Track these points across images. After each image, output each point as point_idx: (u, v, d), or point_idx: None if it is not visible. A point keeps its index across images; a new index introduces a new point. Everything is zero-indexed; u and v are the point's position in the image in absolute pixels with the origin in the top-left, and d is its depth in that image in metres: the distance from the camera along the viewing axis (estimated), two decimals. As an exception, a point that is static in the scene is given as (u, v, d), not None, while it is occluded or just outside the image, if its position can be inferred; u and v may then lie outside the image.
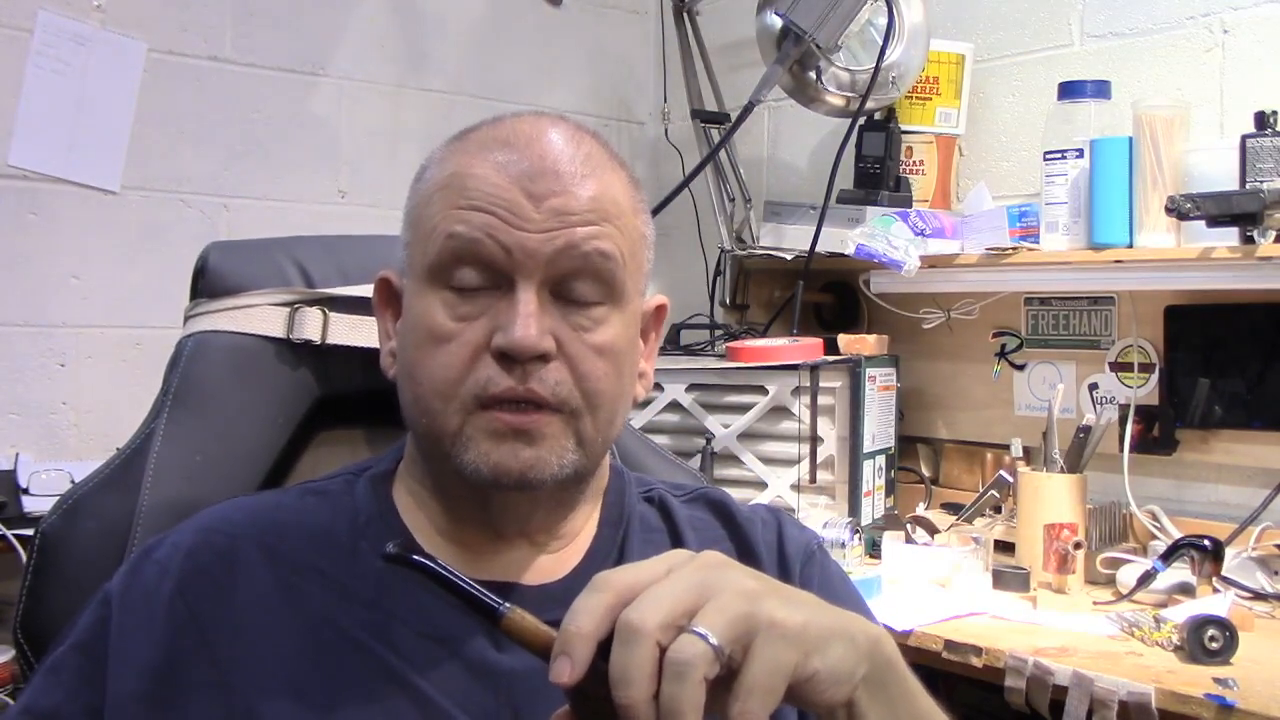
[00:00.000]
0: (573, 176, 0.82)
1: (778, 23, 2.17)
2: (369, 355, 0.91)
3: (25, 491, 1.93)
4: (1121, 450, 2.00)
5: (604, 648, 0.59)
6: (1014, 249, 2.03)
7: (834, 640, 0.62)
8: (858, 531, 1.88)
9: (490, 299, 0.81)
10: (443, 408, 0.81)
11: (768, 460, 2.09)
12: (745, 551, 0.93)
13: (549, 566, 0.88)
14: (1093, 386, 2.13)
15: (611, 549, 0.90)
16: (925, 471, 2.35)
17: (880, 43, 2.17)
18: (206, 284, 1.12)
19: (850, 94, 2.21)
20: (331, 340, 1.10)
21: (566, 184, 0.81)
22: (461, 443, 0.80)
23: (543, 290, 0.80)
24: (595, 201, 0.82)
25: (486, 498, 0.84)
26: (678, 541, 0.93)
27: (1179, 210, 1.72)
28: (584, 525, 0.91)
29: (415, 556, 0.65)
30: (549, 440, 0.80)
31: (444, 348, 0.81)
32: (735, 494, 1.03)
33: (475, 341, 0.80)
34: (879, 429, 2.12)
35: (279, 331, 1.09)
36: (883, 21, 2.17)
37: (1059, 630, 1.61)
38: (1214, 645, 1.46)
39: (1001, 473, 2.05)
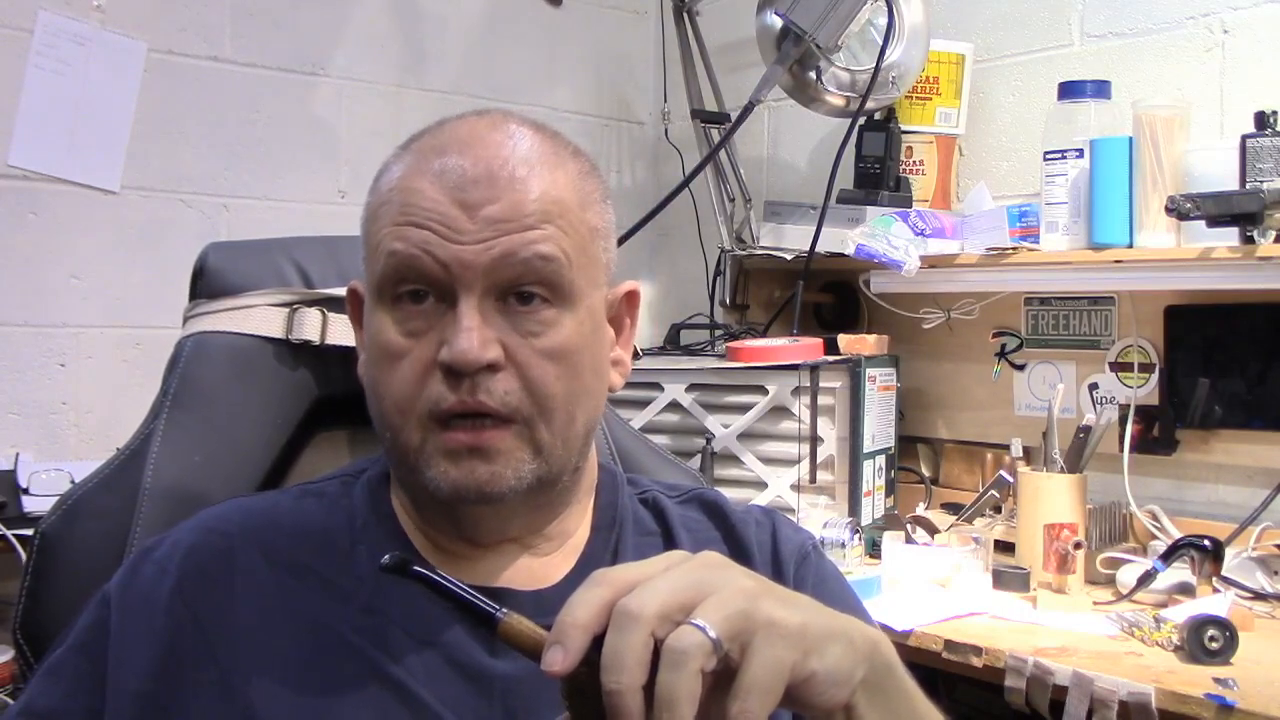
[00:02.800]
0: (509, 181, 0.81)
1: (778, 23, 2.17)
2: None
3: (25, 491, 1.93)
4: (1121, 450, 2.00)
5: (602, 643, 0.59)
6: (1014, 249, 2.03)
7: (832, 642, 0.62)
8: (858, 531, 1.87)
9: (436, 313, 0.81)
10: (402, 424, 0.81)
11: (768, 460, 2.09)
12: (739, 552, 0.93)
13: (542, 570, 0.88)
14: (1093, 386, 2.13)
15: (605, 552, 0.90)
16: (925, 471, 2.35)
17: (880, 43, 2.17)
18: (205, 284, 1.12)
19: (850, 94, 2.21)
20: (330, 341, 1.10)
21: (501, 190, 0.80)
22: (424, 459, 0.81)
23: (485, 300, 0.80)
24: (536, 204, 0.81)
25: (453, 510, 0.84)
26: (671, 543, 0.93)
27: (1179, 210, 1.72)
28: (576, 527, 0.91)
29: (414, 567, 0.65)
30: (504, 455, 0.80)
31: (397, 365, 0.81)
32: (735, 494, 1.03)
33: (425, 358, 0.80)
34: (879, 429, 2.11)
35: (278, 332, 1.09)
36: (883, 21, 2.17)
37: (1059, 630, 1.61)
38: (1214, 645, 1.46)
39: (1001, 473, 2.05)
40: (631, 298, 0.93)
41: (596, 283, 0.86)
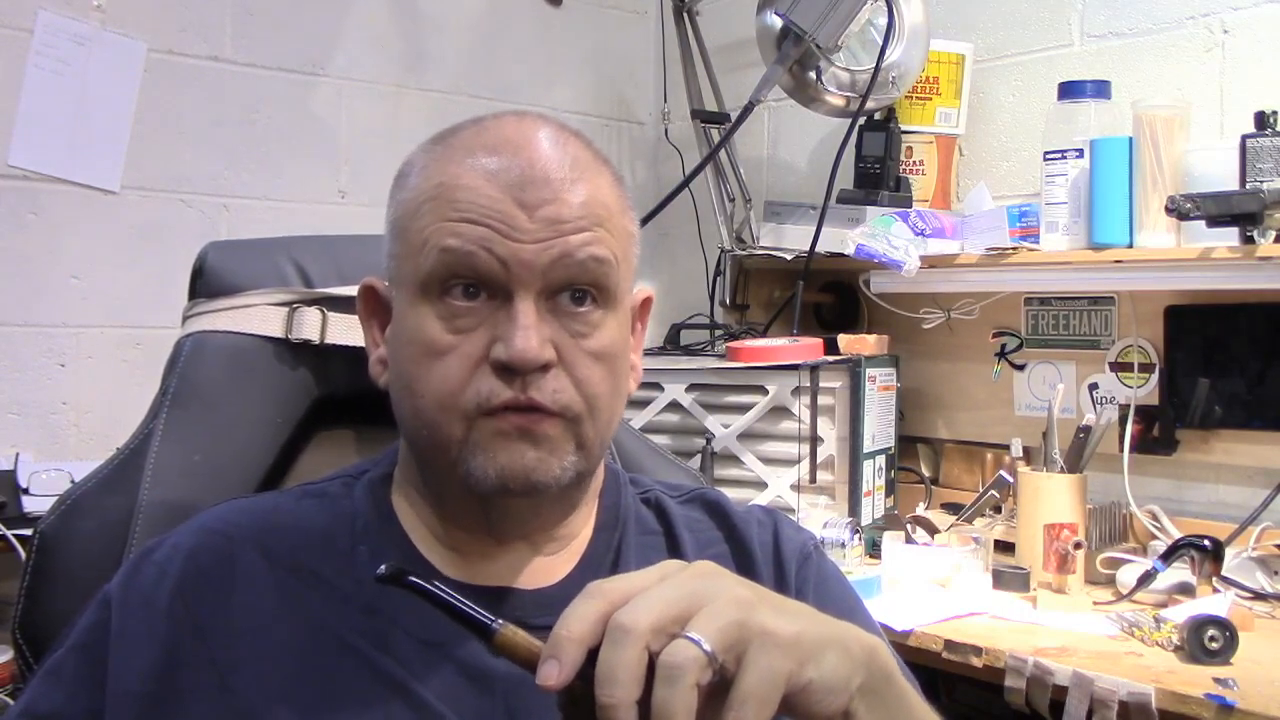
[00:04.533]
0: (563, 182, 0.81)
1: (778, 23, 2.17)
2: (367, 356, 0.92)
3: (25, 491, 1.93)
4: (1121, 450, 2.00)
5: (597, 657, 0.59)
6: (1014, 249, 2.03)
7: (828, 650, 0.62)
8: (858, 531, 1.87)
9: (487, 310, 0.80)
10: (445, 419, 0.80)
11: (768, 460, 2.09)
12: (741, 552, 0.93)
13: (545, 569, 0.88)
14: (1093, 386, 2.13)
15: (608, 552, 0.90)
16: (925, 471, 2.35)
17: (880, 43, 2.17)
18: (205, 284, 1.12)
19: (850, 94, 2.21)
20: (330, 340, 1.10)
21: (557, 190, 0.81)
22: (468, 449, 0.80)
23: (540, 299, 0.80)
24: (586, 207, 0.81)
25: (488, 503, 0.84)
26: (674, 543, 0.93)
27: (1179, 210, 1.72)
28: (581, 528, 0.91)
29: (410, 577, 0.65)
30: (551, 442, 0.81)
31: (442, 360, 0.80)
32: (735, 494, 1.03)
33: (474, 354, 0.80)
34: (879, 429, 2.11)
35: (277, 331, 1.09)
36: (883, 21, 2.17)
37: (1059, 630, 1.61)
38: (1214, 645, 1.46)
39: (1001, 473, 2.05)
40: (646, 304, 0.93)
41: (629, 288, 0.87)
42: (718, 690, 0.59)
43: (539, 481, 0.80)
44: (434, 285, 0.81)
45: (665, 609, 0.60)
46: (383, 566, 0.66)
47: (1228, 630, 1.47)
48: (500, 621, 0.62)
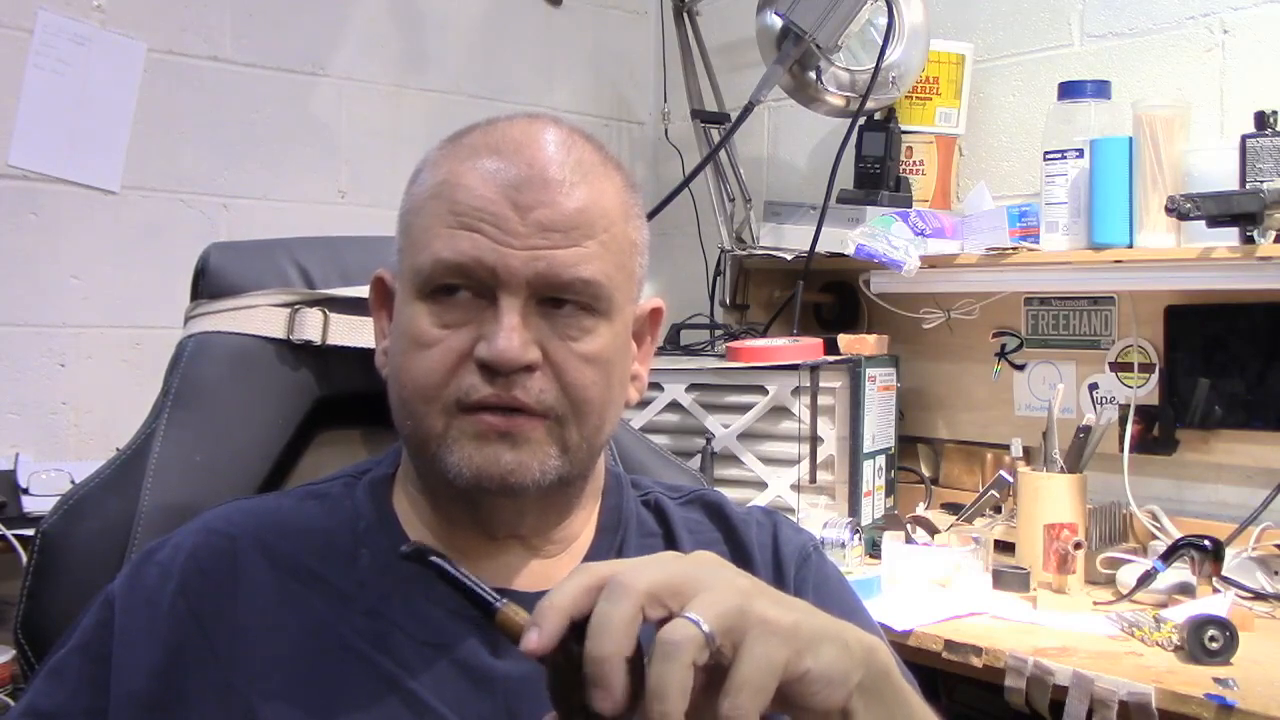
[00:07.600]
0: (560, 185, 0.81)
1: (778, 23, 2.17)
2: (369, 356, 0.92)
3: (25, 491, 1.93)
4: (1121, 450, 2.00)
5: (584, 640, 0.59)
6: (1014, 249, 2.03)
7: (826, 642, 0.62)
8: (858, 531, 1.88)
9: (477, 307, 0.81)
10: (425, 410, 0.81)
11: (768, 460, 2.09)
12: (740, 553, 0.93)
13: (546, 572, 0.88)
14: (1093, 386, 2.13)
15: (609, 554, 0.90)
16: (925, 471, 2.35)
17: (880, 43, 2.17)
18: (207, 284, 1.12)
19: (850, 94, 2.21)
20: (332, 341, 1.10)
21: (554, 194, 0.81)
22: (446, 445, 0.80)
23: (529, 302, 0.80)
24: (582, 214, 0.81)
25: (474, 500, 0.84)
26: (673, 544, 0.93)
27: (1179, 210, 1.72)
28: (582, 530, 0.91)
29: (431, 557, 0.66)
30: (532, 445, 0.80)
31: (428, 353, 0.81)
32: (735, 494, 1.03)
33: (459, 348, 0.80)
34: (879, 429, 2.12)
35: (279, 332, 1.10)
36: (883, 21, 2.17)
37: (1059, 630, 1.61)
38: (1214, 645, 1.46)
39: (1001, 473, 2.05)
40: (655, 315, 0.93)
41: (631, 297, 0.87)
42: (715, 679, 0.59)
43: (516, 483, 0.80)
44: (426, 284, 0.82)
45: (665, 579, 0.60)
46: (404, 545, 0.67)
47: (1228, 630, 1.47)
48: (504, 601, 0.63)
